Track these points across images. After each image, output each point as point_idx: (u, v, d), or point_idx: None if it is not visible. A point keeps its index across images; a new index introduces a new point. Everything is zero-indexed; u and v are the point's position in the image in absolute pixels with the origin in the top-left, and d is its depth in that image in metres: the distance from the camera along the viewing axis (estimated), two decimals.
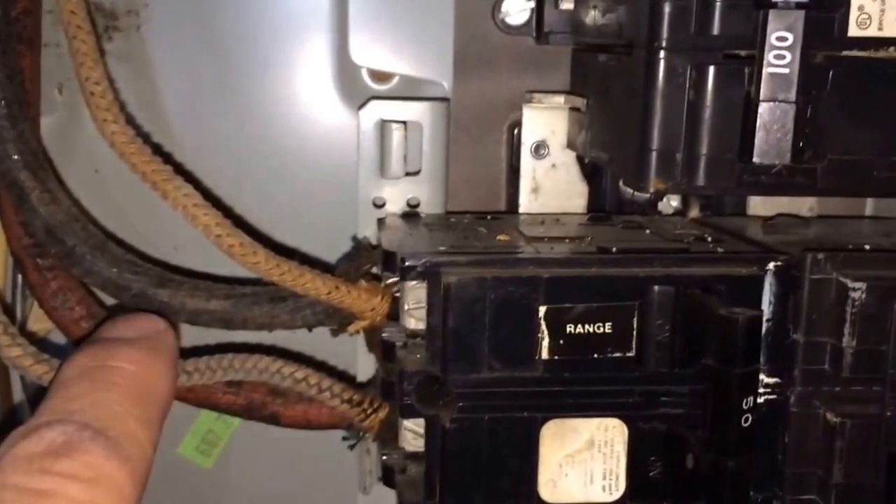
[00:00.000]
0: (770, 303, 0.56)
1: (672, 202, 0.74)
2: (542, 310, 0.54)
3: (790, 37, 0.49)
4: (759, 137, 0.50)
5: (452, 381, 0.54)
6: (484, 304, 0.53)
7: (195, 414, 0.77)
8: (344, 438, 0.68)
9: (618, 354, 0.55)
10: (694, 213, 0.73)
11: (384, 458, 0.58)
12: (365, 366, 0.65)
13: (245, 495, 0.80)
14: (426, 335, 0.54)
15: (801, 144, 0.51)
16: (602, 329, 0.54)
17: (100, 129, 0.56)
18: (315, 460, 0.78)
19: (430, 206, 0.65)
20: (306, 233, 0.74)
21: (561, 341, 0.54)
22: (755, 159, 0.50)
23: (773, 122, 0.50)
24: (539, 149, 0.72)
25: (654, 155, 0.54)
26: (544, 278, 0.54)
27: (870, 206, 0.76)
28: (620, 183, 0.72)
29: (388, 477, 0.59)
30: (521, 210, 0.64)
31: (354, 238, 0.69)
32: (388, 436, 0.61)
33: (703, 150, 0.53)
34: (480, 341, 0.54)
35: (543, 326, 0.54)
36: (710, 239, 0.59)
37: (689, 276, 0.55)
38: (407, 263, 0.54)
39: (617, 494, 0.56)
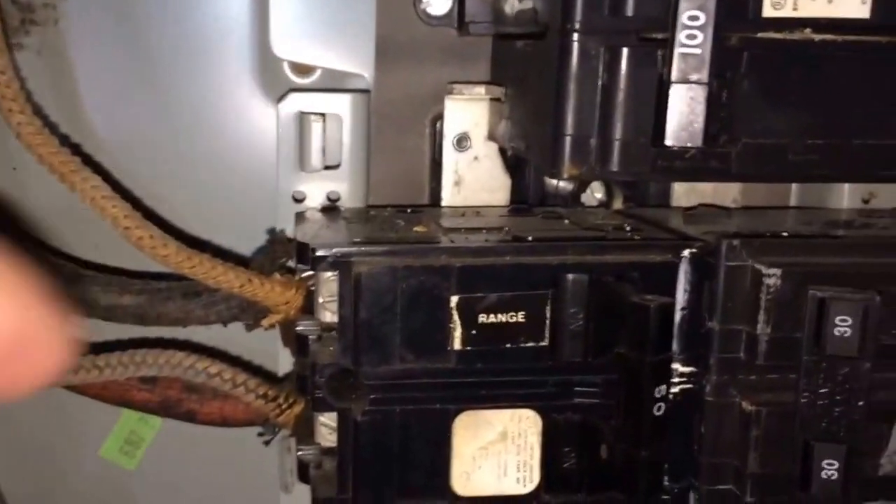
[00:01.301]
0: (685, 291, 0.54)
1: (596, 194, 0.72)
2: (454, 300, 0.51)
3: (702, 16, 0.47)
4: (671, 120, 0.48)
5: (364, 374, 0.52)
6: (395, 294, 0.51)
7: (116, 415, 0.73)
8: (259, 434, 0.65)
9: (531, 344, 0.52)
10: (617, 204, 0.71)
11: (300, 453, 0.55)
12: (286, 362, 0.62)
13: (170, 496, 0.77)
14: (338, 327, 0.51)
15: (715, 128, 0.49)
16: (515, 318, 0.52)
17: (5, 119, 0.54)
18: (239, 460, 0.76)
19: (351, 200, 0.63)
20: (226, 228, 0.71)
21: (473, 331, 0.52)
22: (668, 142, 0.48)
23: (685, 103, 0.48)
24: (461, 141, 0.69)
25: (567, 140, 0.52)
26: (456, 267, 0.51)
27: (794, 196, 0.74)
28: (546, 177, 0.70)
29: (303, 473, 0.56)
30: (443, 203, 0.62)
31: (270, 231, 0.66)
32: (304, 431, 0.58)
33: (617, 134, 0.51)
34: (392, 332, 0.51)
35: (455, 316, 0.51)
36: (628, 228, 0.57)
37: (602, 263, 0.53)
38: (318, 253, 0.51)
39: (531, 486, 0.54)
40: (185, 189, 0.71)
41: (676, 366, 0.55)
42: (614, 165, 0.51)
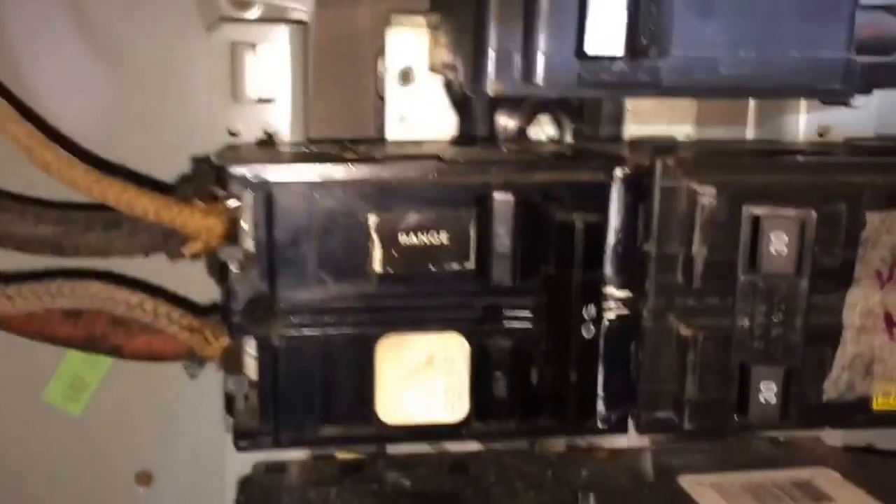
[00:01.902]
0: (620, 213, 0.51)
1: (547, 128, 0.69)
2: (373, 219, 0.48)
3: None
4: (590, 27, 0.45)
5: (281, 298, 0.49)
6: (312, 214, 0.48)
7: (59, 357, 0.70)
8: (185, 368, 0.62)
9: (456, 266, 0.49)
10: (566, 139, 0.68)
11: (225, 386, 0.52)
12: (215, 295, 0.59)
13: (118, 442, 0.74)
14: (255, 251, 0.48)
15: (643, 40, 0.46)
16: (438, 240, 0.49)
17: None
18: (188, 404, 0.72)
19: (288, 134, 0.59)
20: (159, 161, 0.67)
21: (394, 253, 0.49)
22: (589, 51, 0.45)
23: (605, 10, 0.44)
24: (405, 76, 0.66)
25: (490, 55, 0.48)
26: (375, 185, 0.48)
27: (751, 132, 0.70)
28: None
29: (229, 406, 0.53)
30: (387, 138, 0.57)
31: (194, 159, 0.63)
32: (231, 364, 0.55)
33: (541, 47, 0.48)
34: (309, 255, 0.48)
35: (375, 237, 0.48)
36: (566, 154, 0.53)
37: (530, 183, 0.49)
38: (232, 172, 0.48)
39: (461, 413, 0.51)
40: (114, 121, 0.68)
41: (612, 290, 0.52)
42: (539, 80, 0.48)
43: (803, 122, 0.67)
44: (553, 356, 0.50)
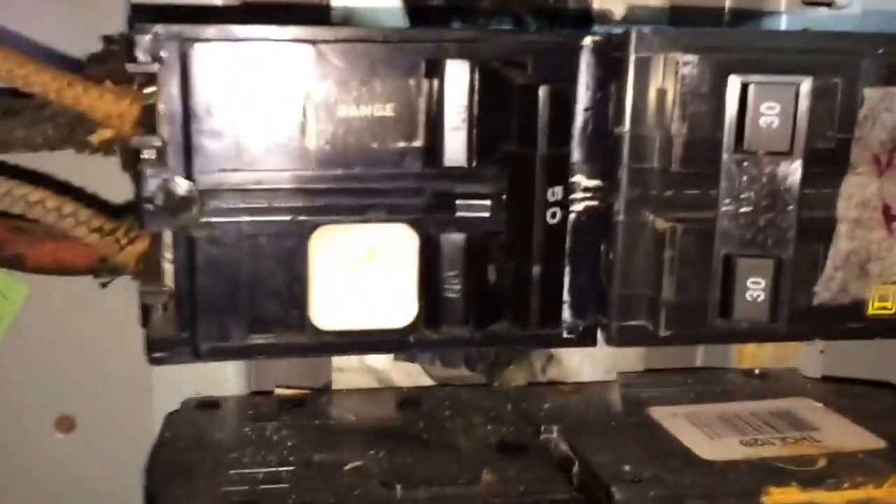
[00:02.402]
0: (588, 88, 0.43)
1: None
2: (309, 86, 0.40)
3: None
4: None
5: (200, 180, 0.40)
6: (237, 79, 0.40)
7: None
8: (95, 276, 0.53)
9: (403, 145, 0.41)
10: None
11: (141, 293, 0.44)
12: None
13: (34, 385, 0.65)
14: (168, 126, 0.40)
15: None
16: (383, 112, 0.41)
17: None
18: (111, 341, 0.63)
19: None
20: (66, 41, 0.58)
21: (331, 127, 0.40)
22: None
23: None
24: None
25: None
26: (310, 46, 0.40)
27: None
28: None
29: (145, 317, 0.44)
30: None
31: (104, 37, 0.54)
32: (149, 271, 0.46)
33: None
34: (233, 127, 0.40)
35: (310, 108, 0.40)
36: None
37: (488, 47, 0.41)
38: (145, 32, 0.39)
39: (409, 318, 0.43)
40: None
41: (579, 179, 0.45)
42: None
43: (784, 25, 0.60)
44: (514, 251, 0.42)
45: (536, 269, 0.43)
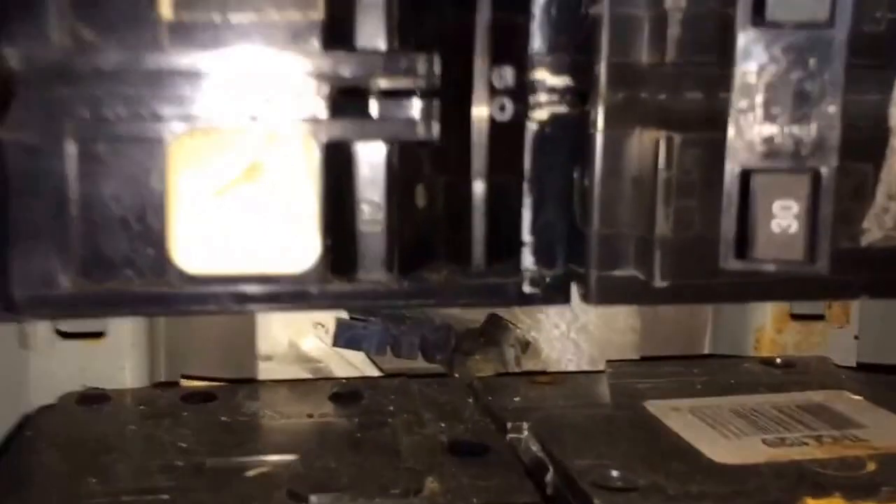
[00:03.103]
0: None
1: None
2: None
3: None
4: None
5: (15, 66, 0.26)
6: None
7: None
8: None
9: (296, 17, 0.27)
10: None
11: None
12: None
13: None
14: None
15: None
16: None
17: None
18: None
19: None
20: None
21: None
22: None
23: None
24: None
25: None
26: None
27: None
28: None
29: None
30: None
31: None
32: None
33: None
34: None
35: None
36: None
37: None
38: None
39: (308, 260, 0.28)
40: None
41: (542, 75, 0.31)
42: None
43: None
44: (450, 163, 0.27)
45: (480, 187, 0.28)
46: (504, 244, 0.32)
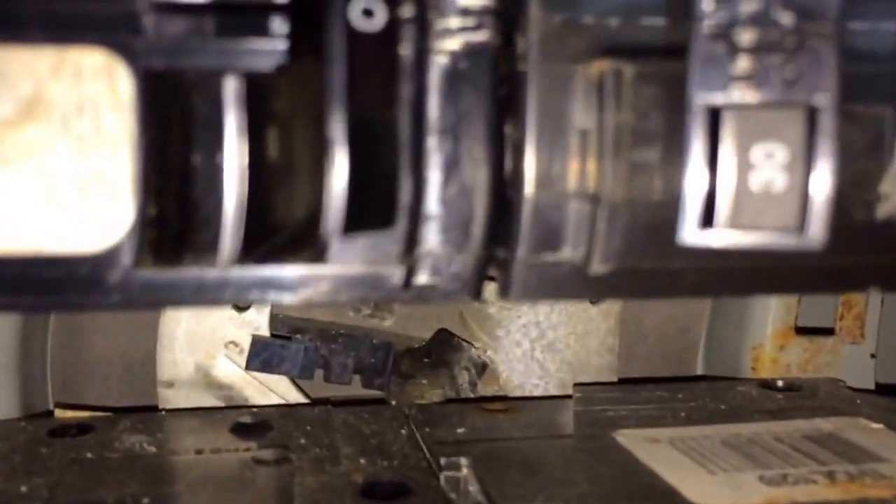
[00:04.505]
0: None
1: None
2: None
3: None
4: None
5: None
6: None
7: None
8: None
9: None
10: None
11: None
12: None
13: None
14: None
15: None
16: None
17: None
18: None
19: None
20: None
21: None
22: None
23: None
24: None
25: None
26: None
27: None
28: None
29: None
30: None
31: None
32: None
33: None
34: None
35: None
36: None
37: None
38: None
39: (113, 235, 0.17)
40: None
41: None
42: None
43: None
44: (305, 101, 0.17)
45: (337, 128, 0.18)
46: (377, 214, 0.22)
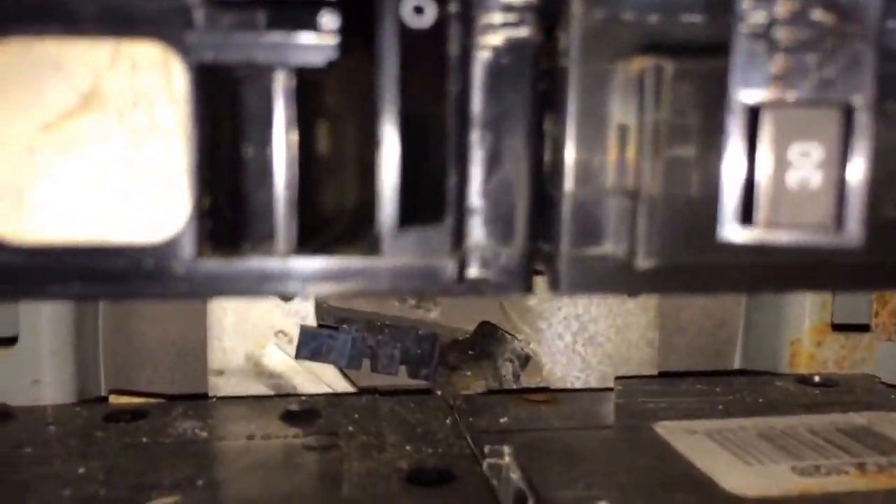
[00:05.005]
0: None
1: None
2: None
3: None
4: None
5: None
6: None
7: None
8: None
9: None
10: None
11: None
12: None
13: None
14: None
15: None
16: None
17: None
18: None
19: None
20: None
21: None
22: None
23: None
24: None
25: None
26: None
27: None
28: None
29: None
30: None
31: None
32: None
33: None
34: None
35: None
36: None
37: None
38: None
39: (171, 226, 0.18)
40: None
41: None
42: None
43: None
44: (357, 96, 0.17)
45: (389, 125, 0.18)
46: (428, 208, 0.22)
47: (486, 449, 0.35)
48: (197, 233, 0.23)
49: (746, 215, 0.23)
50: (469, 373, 0.45)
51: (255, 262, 0.23)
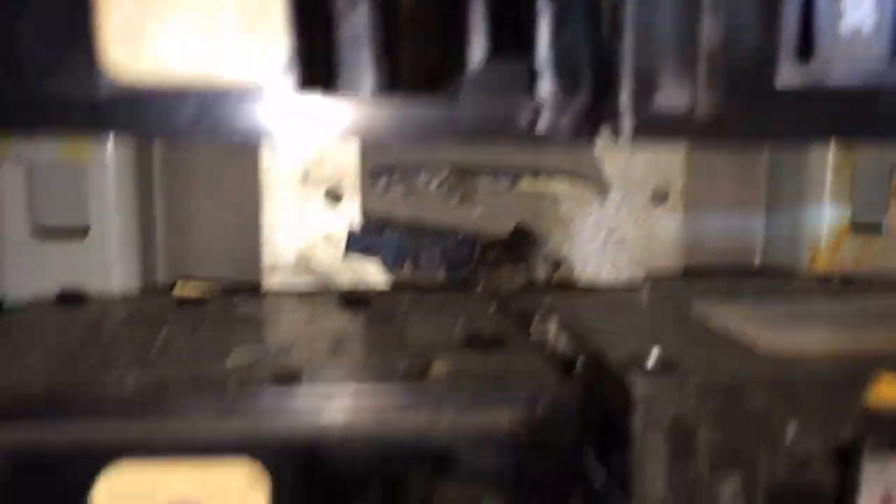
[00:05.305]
0: None
1: None
2: None
3: None
4: None
5: None
6: None
7: None
8: None
9: None
10: None
11: None
12: None
13: None
14: None
15: None
16: None
17: None
18: None
19: None
20: None
21: None
22: None
23: None
24: None
25: None
26: None
27: None
28: None
29: None
30: None
31: None
32: None
33: None
34: None
35: None
36: None
37: None
38: None
39: (274, 65, 0.20)
40: None
41: None
42: None
43: None
44: None
45: None
46: (507, 53, 0.24)
47: (535, 318, 0.36)
48: (295, 72, 0.25)
49: (804, 53, 0.25)
50: (506, 271, 0.47)
51: (345, 104, 0.25)
